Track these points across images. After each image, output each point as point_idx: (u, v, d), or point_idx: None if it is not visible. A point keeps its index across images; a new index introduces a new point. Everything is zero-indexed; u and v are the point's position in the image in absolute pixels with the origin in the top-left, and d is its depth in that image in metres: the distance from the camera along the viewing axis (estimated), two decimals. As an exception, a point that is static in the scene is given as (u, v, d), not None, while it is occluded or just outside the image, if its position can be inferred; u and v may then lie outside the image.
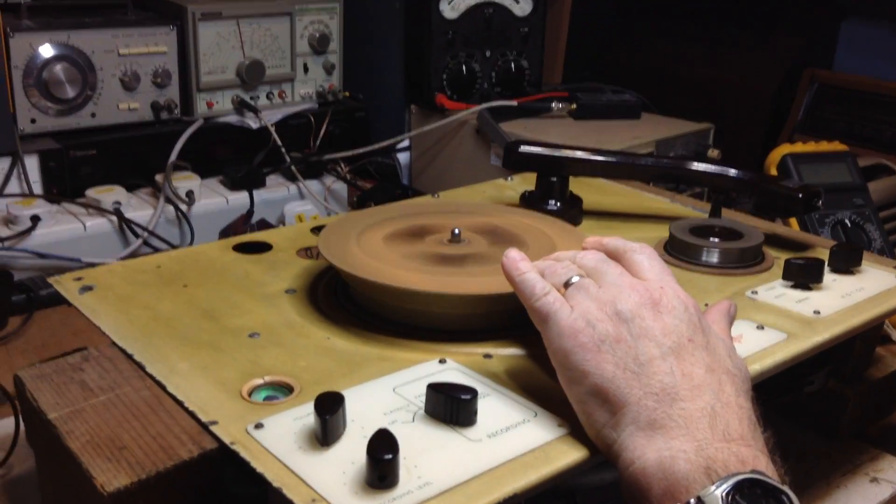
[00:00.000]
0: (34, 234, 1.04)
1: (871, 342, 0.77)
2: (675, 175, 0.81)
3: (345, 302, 0.64)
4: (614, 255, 0.54)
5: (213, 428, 0.48)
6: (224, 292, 0.65)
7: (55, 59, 1.14)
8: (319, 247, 0.63)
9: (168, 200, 1.15)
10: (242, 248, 0.74)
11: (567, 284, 0.52)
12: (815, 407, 0.77)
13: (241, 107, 1.30)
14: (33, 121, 1.15)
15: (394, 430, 0.46)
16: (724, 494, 0.40)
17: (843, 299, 0.66)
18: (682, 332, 0.47)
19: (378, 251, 0.63)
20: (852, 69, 1.62)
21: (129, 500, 0.44)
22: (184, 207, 1.15)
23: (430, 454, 0.45)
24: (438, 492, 0.42)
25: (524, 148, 0.80)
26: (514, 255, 0.54)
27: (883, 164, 1.37)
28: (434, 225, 0.69)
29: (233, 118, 1.29)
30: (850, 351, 0.74)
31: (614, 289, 0.49)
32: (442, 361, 0.55)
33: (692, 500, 0.41)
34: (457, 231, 0.66)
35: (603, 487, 0.59)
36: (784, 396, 0.67)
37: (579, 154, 0.80)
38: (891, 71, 1.56)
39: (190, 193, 1.16)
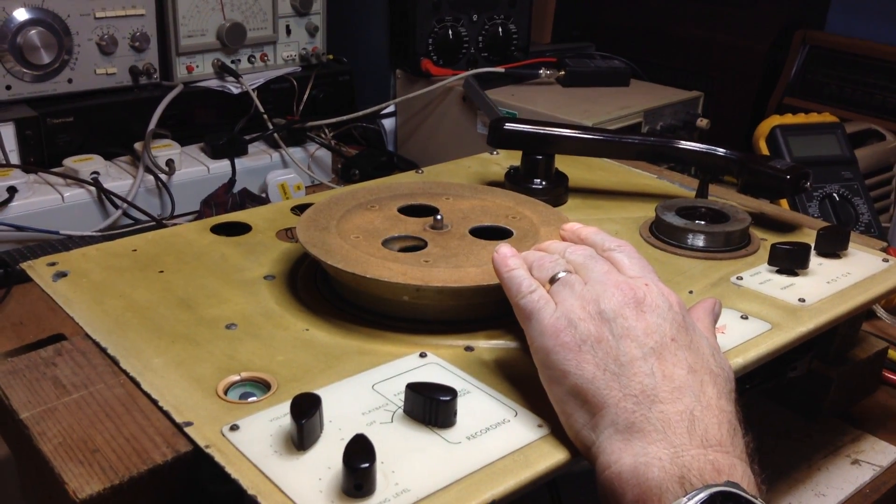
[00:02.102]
0: (11, 206, 1.02)
1: (856, 325, 0.77)
2: (662, 154, 0.79)
3: (324, 290, 0.63)
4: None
5: (187, 429, 0.47)
6: (201, 279, 0.64)
7: (30, 23, 1.11)
8: (298, 234, 0.62)
9: (147, 170, 1.12)
10: (221, 230, 0.72)
11: (554, 279, 0.51)
12: (798, 388, 0.77)
13: (222, 71, 1.27)
14: (8, 87, 1.12)
15: (372, 431, 0.46)
16: None
17: (829, 285, 0.65)
18: (665, 331, 0.46)
19: (358, 239, 0.62)
20: (845, 29, 1.60)
21: (101, 506, 0.43)
22: (164, 177, 1.13)
23: (408, 458, 0.44)
24: (416, 499, 0.42)
25: (509, 126, 0.78)
26: (504, 252, 0.53)
27: (872, 130, 1.36)
28: (417, 208, 0.68)
29: (213, 83, 1.27)
30: (835, 334, 0.74)
31: (599, 287, 0.49)
32: (422, 355, 0.55)
33: None
34: (439, 217, 0.64)
35: (585, 475, 0.59)
36: (767, 383, 0.67)
37: (565, 132, 0.79)
38: (883, 32, 1.54)
39: (170, 162, 1.14)
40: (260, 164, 1.23)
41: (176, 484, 0.46)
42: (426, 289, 0.56)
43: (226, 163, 1.20)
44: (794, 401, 0.78)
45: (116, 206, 1.08)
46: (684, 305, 0.49)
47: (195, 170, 1.18)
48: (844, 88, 1.52)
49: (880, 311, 0.92)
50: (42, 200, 1.06)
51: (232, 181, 1.18)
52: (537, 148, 0.78)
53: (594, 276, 0.50)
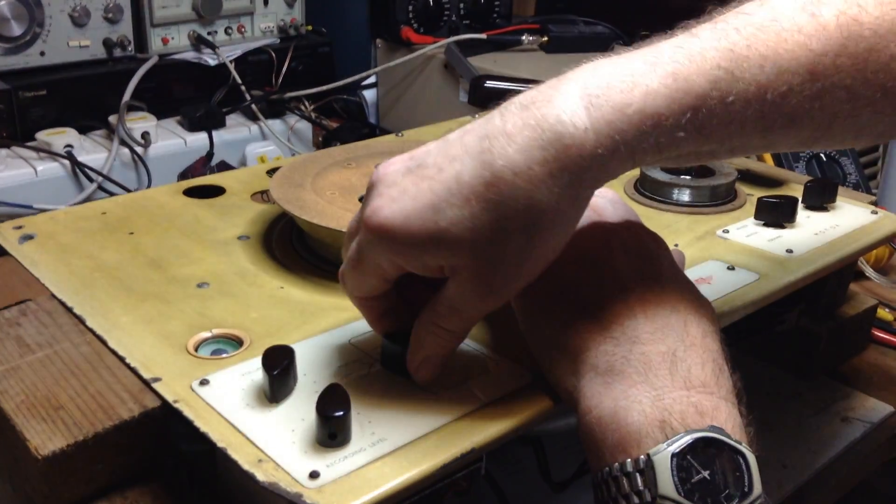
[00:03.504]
0: (-18, 180, 1.00)
1: (844, 279, 0.76)
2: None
3: (300, 249, 0.61)
4: None
5: (155, 385, 0.45)
6: (172, 239, 0.62)
7: (-3, -7, 1.08)
8: (271, 190, 0.60)
9: (123, 143, 1.10)
10: (194, 193, 0.70)
11: None
12: (786, 345, 0.75)
13: (198, 43, 1.24)
14: (-22, 60, 1.10)
15: (348, 384, 0.44)
16: (674, 453, 0.38)
17: (817, 237, 0.64)
18: (647, 271, 0.45)
19: (333, 195, 0.60)
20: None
21: (66, 463, 0.42)
22: (139, 150, 1.11)
23: (385, 409, 0.43)
24: (394, 448, 0.40)
25: (490, 83, 0.76)
26: None
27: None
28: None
29: (189, 55, 1.24)
30: (823, 289, 0.72)
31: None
32: (401, 309, 0.53)
33: (642, 457, 0.39)
34: (417, 172, 0.62)
35: (570, 432, 0.58)
36: (754, 336, 0.66)
37: (547, 89, 0.77)
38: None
39: (145, 135, 1.11)
40: (238, 136, 1.21)
41: (145, 441, 0.45)
42: (404, 242, 0.54)
43: (203, 136, 1.17)
44: (783, 359, 0.77)
45: (91, 180, 1.06)
46: (667, 246, 0.48)
47: (172, 142, 1.15)
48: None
49: (869, 271, 0.90)
50: (15, 175, 1.03)
51: (210, 154, 1.16)
52: (519, 106, 0.76)
53: None
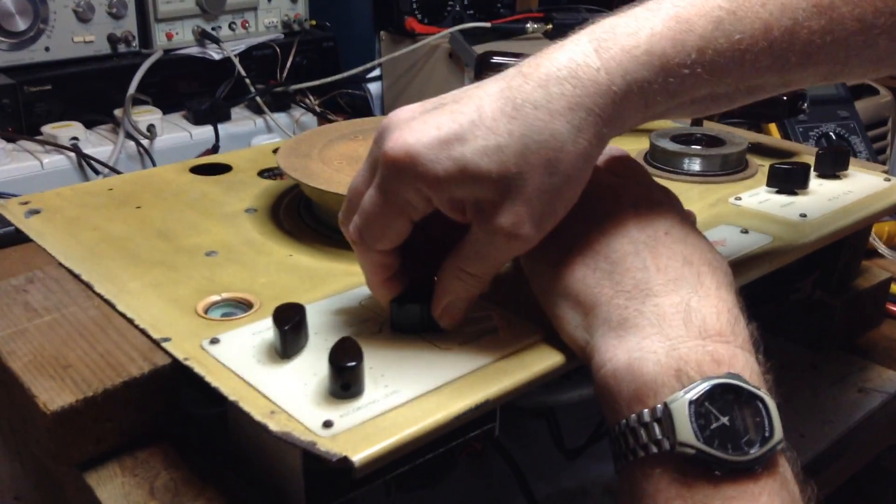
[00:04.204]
0: (-12, 173, 1.00)
1: (857, 251, 0.75)
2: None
3: (309, 220, 0.60)
4: None
5: (165, 345, 0.44)
6: (180, 213, 0.61)
7: (2, -12, 1.08)
8: (278, 159, 0.59)
9: (128, 135, 1.10)
10: (200, 171, 0.70)
11: None
12: (801, 319, 0.75)
13: (202, 38, 1.24)
14: (-17, 55, 1.10)
15: (360, 341, 0.43)
16: (692, 400, 0.37)
17: (831, 202, 0.63)
18: (658, 225, 0.44)
19: (341, 164, 0.60)
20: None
21: (74, 420, 0.41)
22: (145, 142, 1.10)
23: (398, 363, 0.42)
24: (407, 399, 0.40)
25: (496, 59, 0.76)
26: None
27: (866, 84, 1.34)
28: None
29: (194, 50, 1.24)
30: (837, 259, 0.72)
31: None
32: (411, 273, 0.52)
33: (659, 406, 0.38)
34: (425, 141, 0.62)
35: (582, 404, 0.57)
36: (769, 304, 0.65)
37: (554, 64, 0.76)
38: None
39: (151, 128, 1.11)
40: (244, 129, 1.20)
41: (155, 400, 0.44)
42: (413, 205, 0.53)
43: (208, 129, 1.17)
44: (798, 333, 0.76)
45: (97, 172, 1.06)
46: (678, 201, 0.47)
47: (177, 135, 1.15)
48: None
49: (882, 248, 0.90)
50: (21, 167, 1.03)
51: (215, 147, 1.15)
52: (526, 82, 0.75)
53: None
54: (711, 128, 0.74)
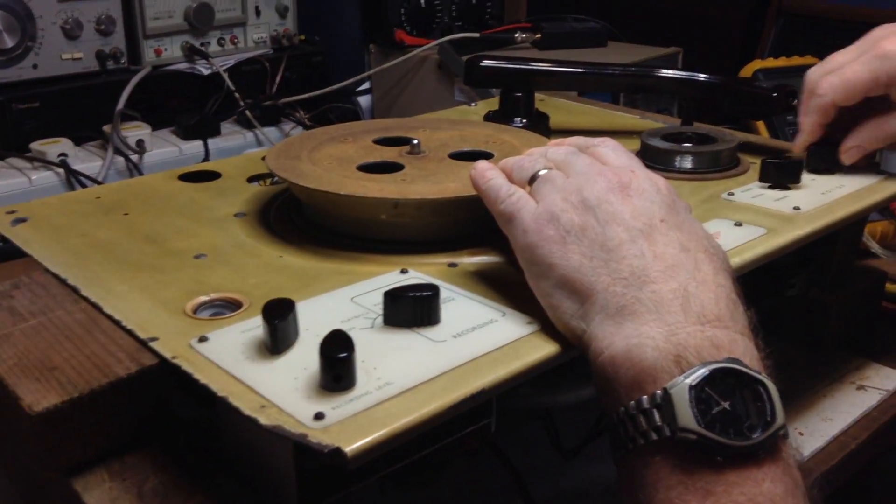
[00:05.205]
0: (-24, 190, 0.99)
1: (851, 247, 0.75)
2: (643, 83, 0.77)
3: (299, 222, 0.60)
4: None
5: (152, 344, 0.44)
6: (168, 218, 0.60)
7: (-10, 7, 1.08)
8: (267, 161, 0.59)
9: (117, 151, 1.09)
10: (189, 178, 0.69)
11: (534, 178, 0.48)
12: (797, 318, 0.74)
13: (191, 53, 1.24)
14: (-30, 73, 1.09)
15: (352, 335, 0.42)
16: (692, 385, 0.36)
17: (824, 196, 0.63)
18: (654, 213, 0.44)
19: (331, 165, 0.59)
20: (820, -6, 1.59)
21: (60, 422, 0.40)
22: (134, 158, 1.10)
23: (391, 356, 0.41)
24: (400, 390, 0.39)
25: (487, 62, 0.76)
26: (481, 166, 0.51)
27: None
28: (393, 139, 0.65)
29: (183, 65, 1.24)
30: (831, 256, 0.71)
31: (581, 177, 0.46)
32: (403, 271, 0.52)
33: (658, 392, 0.37)
34: (416, 141, 0.62)
35: (580, 405, 0.56)
36: (765, 299, 0.64)
37: (544, 66, 0.76)
38: (858, -4, 1.53)
39: (140, 143, 1.11)
40: (234, 143, 1.20)
41: (142, 401, 0.43)
42: (405, 203, 0.53)
43: (198, 143, 1.17)
44: (794, 333, 0.75)
45: (86, 188, 1.05)
46: (673, 189, 0.47)
47: (167, 150, 1.15)
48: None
49: (875, 247, 0.89)
50: (9, 184, 1.03)
51: (205, 161, 1.15)
52: (516, 84, 0.76)
53: (577, 168, 0.47)
54: (701, 126, 0.74)
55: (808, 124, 0.66)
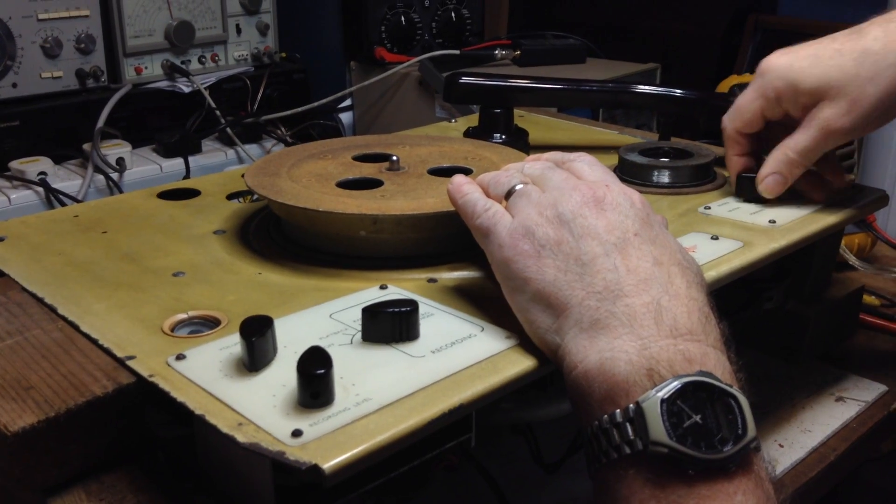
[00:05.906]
0: (-46, 209, 0.98)
1: (828, 259, 0.75)
2: (621, 100, 0.78)
3: (278, 239, 0.60)
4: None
5: (129, 363, 0.43)
6: (147, 236, 0.60)
7: (-33, 25, 1.08)
8: (246, 178, 0.59)
9: (97, 169, 1.09)
10: (168, 196, 0.69)
11: (510, 193, 0.49)
12: (775, 330, 0.75)
13: (171, 71, 1.24)
14: (-52, 92, 1.09)
15: (330, 352, 0.42)
16: (664, 398, 0.37)
17: (800, 209, 0.64)
18: (628, 227, 0.44)
19: (310, 182, 0.59)
20: (797, 12, 1.62)
21: (37, 441, 0.40)
22: (115, 176, 1.10)
23: (369, 373, 0.42)
24: (379, 406, 0.39)
25: (466, 79, 0.76)
26: (458, 180, 0.52)
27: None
28: (372, 156, 0.66)
29: (163, 83, 1.24)
30: (808, 268, 0.72)
31: (556, 192, 0.46)
32: (383, 287, 0.52)
33: (631, 406, 0.37)
34: (395, 158, 0.62)
35: (560, 420, 0.56)
36: (743, 312, 0.65)
37: (522, 83, 0.77)
38: (834, 10, 1.55)
39: (120, 161, 1.10)
40: (215, 161, 1.20)
41: (120, 420, 0.43)
42: (384, 219, 0.53)
43: (179, 161, 1.17)
44: (772, 345, 0.76)
45: (65, 207, 1.04)
46: (648, 204, 0.47)
47: (147, 168, 1.15)
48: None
49: (852, 259, 0.90)
50: (-13, 203, 1.02)
51: (186, 179, 1.14)
52: (496, 101, 0.76)
53: (552, 183, 0.48)
54: (679, 141, 0.74)
55: (727, 158, 0.66)
